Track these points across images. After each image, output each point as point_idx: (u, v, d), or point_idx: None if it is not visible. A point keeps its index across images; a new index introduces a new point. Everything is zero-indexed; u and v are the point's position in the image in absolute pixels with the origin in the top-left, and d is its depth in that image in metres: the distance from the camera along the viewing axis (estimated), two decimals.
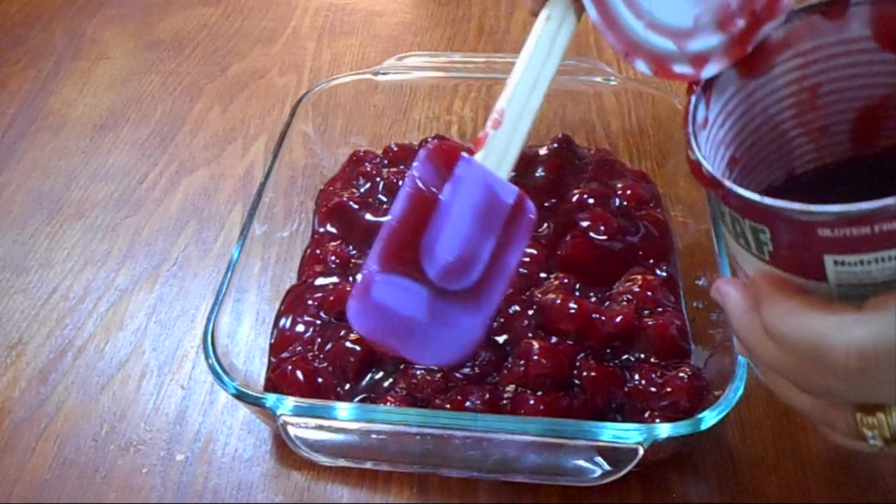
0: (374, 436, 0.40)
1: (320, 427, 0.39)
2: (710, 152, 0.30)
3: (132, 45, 0.81)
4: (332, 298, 0.48)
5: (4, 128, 0.70)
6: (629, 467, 0.37)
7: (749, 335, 0.28)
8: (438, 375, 0.43)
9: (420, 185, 0.37)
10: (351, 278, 0.50)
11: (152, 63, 0.78)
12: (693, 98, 0.30)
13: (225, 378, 0.39)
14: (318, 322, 0.48)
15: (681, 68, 0.31)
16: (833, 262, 0.24)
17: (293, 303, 0.49)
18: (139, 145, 0.68)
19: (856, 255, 0.24)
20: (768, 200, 0.25)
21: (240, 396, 0.39)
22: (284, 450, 0.44)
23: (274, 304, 0.50)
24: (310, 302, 0.49)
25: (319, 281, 0.50)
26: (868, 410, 0.27)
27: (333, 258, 0.51)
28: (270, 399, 0.38)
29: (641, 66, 0.32)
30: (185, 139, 0.68)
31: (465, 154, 0.38)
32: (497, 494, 0.42)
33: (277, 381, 0.44)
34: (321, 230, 0.55)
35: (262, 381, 0.45)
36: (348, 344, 0.44)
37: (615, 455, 0.37)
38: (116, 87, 0.75)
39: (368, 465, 0.42)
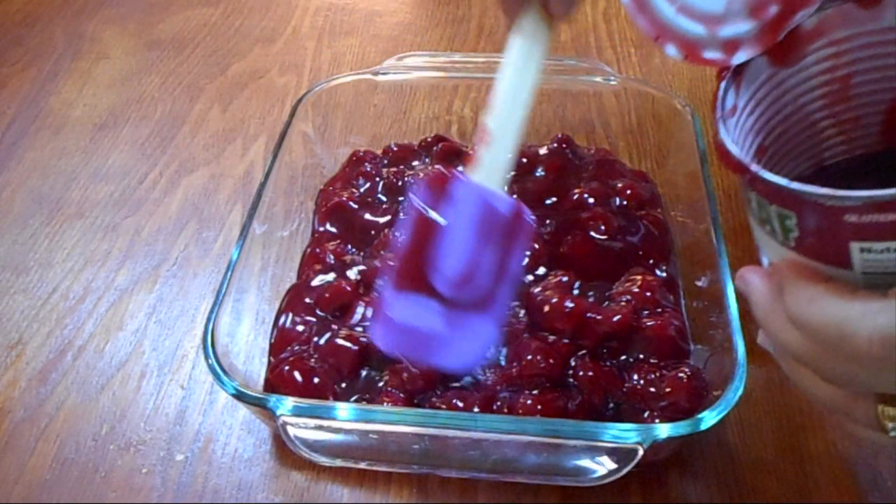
0: (373, 436, 0.40)
1: (320, 427, 0.39)
2: (739, 140, 0.30)
3: (132, 45, 0.81)
4: (328, 295, 0.48)
5: (4, 128, 0.70)
6: (629, 467, 0.37)
7: (772, 323, 0.28)
8: (433, 371, 0.43)
9: (422, 211, 0.39)
10: (350, 276, 0.50)
11: (152, 63, 0.78)
12: (723, 84, 0.30)
13: (225, 378, 0.39)
14: (316, 321, 0.48)
15: (711, 54, 0.31)
16: (859, 249, 0.24)
17: (292, 302, 0.49)
18: (139, 145, 0.68)
19: (883, 243, 0.24)
20: (796, 185, 0.25)
21: (239, 396, 0.39)
22: (284, 450, 0.44)
23: (274, 304, 0.50)
24: (308, 301, 0.49)
25: (318, 280, 0.50)
26: (890, 402, 0.27)
27: (331, 257, 0.51)
28: (270, 399, 0.38)
29: (672, 51, 0.32)
30: (185, 139, 0.68)
31: (459, 175, 0.39)
32: (497, 494, 0.42)
33: (276, 382, 0.44)
34: (321, 229, 0.55)
35: (261, 381, 0.45)
36: (340, 341, 0.44)
37: (615, 455, 0.37)
38: (116, 87, 0.75)
39: (368, 466, 0.42)
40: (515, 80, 0.40)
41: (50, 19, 0.86)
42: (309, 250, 0.54)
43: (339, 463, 0.42)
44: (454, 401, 0.42)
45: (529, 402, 0.41)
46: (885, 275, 0.25)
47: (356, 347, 0.44)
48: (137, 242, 0.58)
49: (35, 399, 0.48)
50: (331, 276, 0.50)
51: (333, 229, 0.55)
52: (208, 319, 0.41)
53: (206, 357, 0.40)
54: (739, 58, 0.31)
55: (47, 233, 0.60)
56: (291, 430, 0.39)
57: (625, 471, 0.38)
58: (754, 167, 0.26)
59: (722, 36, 0.31)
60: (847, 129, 0.33)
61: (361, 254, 0.52)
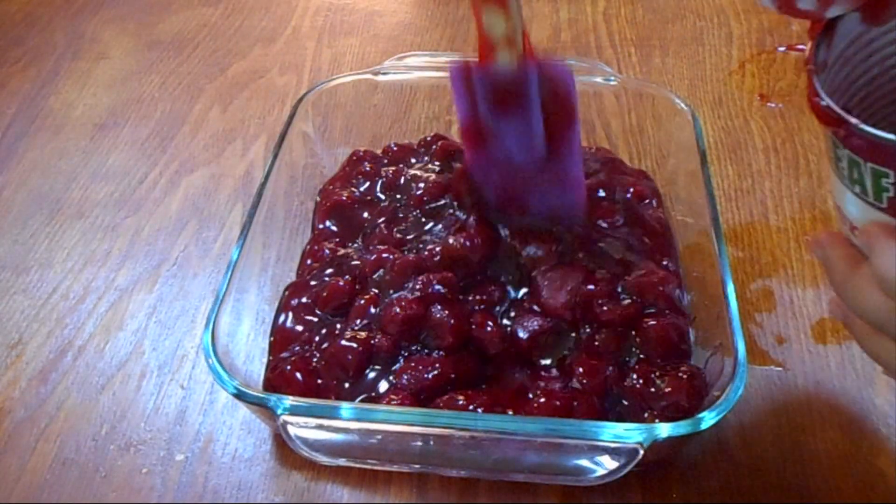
0: (374, 435, 0.40)
1: (320, 426, 0.39)
2: (823, 90, 0.30)
3: (132, 45, 0.81)
4: (325, 294, 0.48)
5: (4, 128, 0.70)
6: (629, 467, 0.37)
7: (853, 289, 0.27)
8: (436, 371, 0.43)
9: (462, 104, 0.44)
10: (347, 277, 0.50)
11: (152, 63, 0.78)
12: (817, 38, 0.30)
13: (225, 378, 0.39)
14: (315, 320, 0.48)
15: (806, 4, 0.30)
16: None
17: (290, 300, 0.49)
18: (139, 145, 0.68)
19: None
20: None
21: (240, 396, 0.39)
22: (284, 450, 0.44)
23: (274, 303, 0.50)
24: (305, 299, 0.49)
25: (316, 278, 0.50)
26: None
27: (328, 254, 0.51)
28: (270, 399, 0.38)
29: (767, 2, 0.31)
30: (185, 139, 0.68)
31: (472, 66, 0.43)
32: (497, 494, 0.42)
33: (276, 382, 0.44)
34: (320, 227, 0.55)
35: (261, 380, 0.45)
36: (345, 342, 0.44)
37: (615, 455, 0.37)
38: (116, 87, 0.75)
39: (368, 465, 0.42)
40: None
41: (50, 19, 0.86)
42: (308, 248, 0.54)
43: (339, 462, 0.42)
44: (458, 400, 0.42)
45: (534, 404, 0.41)
46: None
47: (361, 347, 0.44)
48: (137, 242, 0.58)
49: (35, 399, 0.48)
50: (328, 275, 0.50)
51: (333, 227, 0.55)
52: (208, 319, 0.41)
53: (207, 357, 0.40)
54: (834, 11, 0.30)
55: (47, 233, 0.60)
56: (292, 430, 0.39)
57: (625, 471, 0.38)
58: (853, 120, 0.25)
59: None
60: None
61: (359, 252, 0.52)
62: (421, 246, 0.50)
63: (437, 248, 0.47)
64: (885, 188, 0.25)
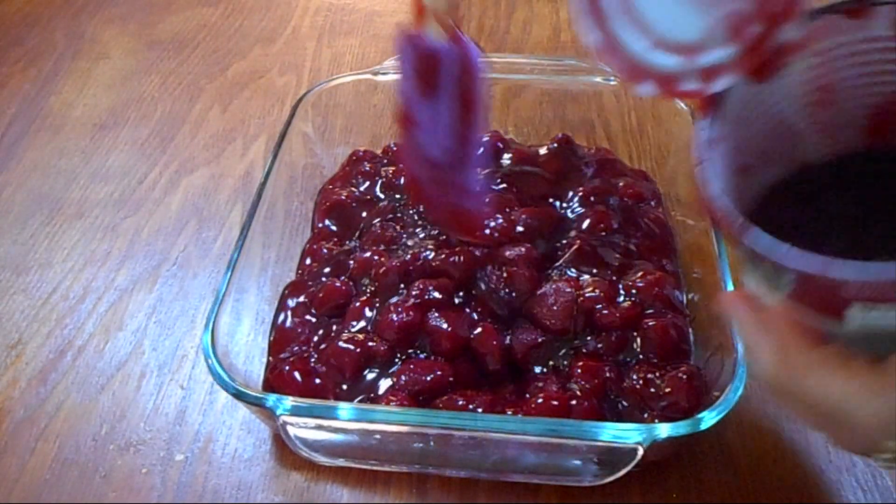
0: (374, 436, 0.40)
1: (320, 427, 0.39)
2: (721, 165, 0.30)
3: (132, 45, 0.81)
4: (321, 295, 0.48)
5: (4, 128, 0.70)
6: (629, 467, 0.37)
7: (758, 360, 0.28)
8: (435, 374, 0.43)
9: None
10: (343, 277, 0.50)
11: (152, 63, 0.78)
12: (702, 124, 0.29)
13: (225, 378, 0.39)
14: (314, 320, 0.48)
15: (689, 85, 0.30)
16: (860, 309, 0.24)
17: (289, 300, 0.49)
18: (139, 145, 0.68)
19: (884, 305, 0.24)
20: (795, 260, 0.24)
21: (239, 396, 0.39)
22: (284, 450, 0.43)
23: (274, 303, 0.50)
24: (303, 299, 0.49)
25: (314, 278, 0.50)
26: None
27: (327, 254, 0.51)
28: (270, 399, 0.38)
29: (647, 89, 0.30)
30: (185, 139, 0.68)
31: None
32: (497, 494, 0.42)
33: (275, 382, 0.44)
34: (320, 226, 0.55)
35: (261, 381, 0.45)
36: (341, 344, 0.44)
37: (615, 455, 0.37)
38: (116, 87, 0.75)
39: (368, 465, 0.42)
40: None
41: (50, 19, 0.86)
42: (307, 247, 0.54)
43: (339, 462, 0.42)
44: (457, 401, 0.42)
45: (533, 404, 0.41)
46: (874, 330, 0.24)
47: (359, 350, 0.44)
48: (137, 242, 0.58)
49: (35, 399, 0.48)
50: (326, 274, 0.50)
51: (332, 227, 0.55)
52: (208, 319, 0.41)
53: (206, 357, 0.40)
54: (719, 85, 0.30)
55: (47, 233, 0.60)
56: (291, 430, 0.39)
57: (625, 471, 0.38)
58: (748, 239, 0.25)
59: (700, 65, 0.29)
60: (830, 134, 0.33)
61: (358, 251, 0.52)
62: (414, 248, 0.49)
63: (420, 260, 0.47)
64: (787, 284, 0.26)
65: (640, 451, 0.36)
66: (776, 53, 0.30)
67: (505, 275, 0.46)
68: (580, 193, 0.54)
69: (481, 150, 0.43)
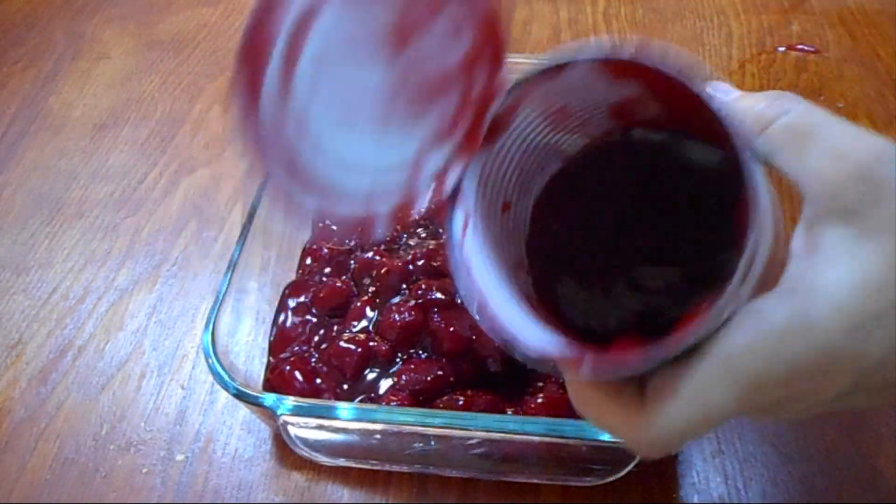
0: (374, 436, 0.40)
1: (321, 427, 0.39)
2: (480, 245, 0.30)
3: (132, 45, 0.81)
4: (322, 295, 0.48)
5: (4, 128, 0.70)
6: (629, 467, 0.37)
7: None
8: (436, 374, 0.43)
9: None
10: (344, 277, 0.50)
11: (152, 63, 0.78)
12: (451, 225, 0.29)
13: (225, 378, 0.39)
14: (314, 320, 0.48)
15: (427, 195, 0.29)
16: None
17: (289, 300, 0.49)
18: (139, 145, 0.68)
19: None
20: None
21: (240, 396, 0.39)
22: (284, 450, 0.44)
23: (274, 303, 0.50)
24: (304, 299, 0.49)
25: (314, 277, 0.50)
26: None
27: (327, 253, 0.51)
28: (271, 399, 0.38)
29: (380, 231, 0.29)
30: (185, 139, 0.68)
31: None
32: (497, 494, 0.42)
33: (276, 382, 0.44)
34: (320, 225, 0.55)
35: (262, 380, 0.45)
36: (343, 344, 0.44)
37: (615, 455, 0.37)
38: (116, 87, 0.75)
39: (369, 465, 0.42)
40: None
41: (50, 19, 0.86)
42: (308, 246, 0.54)
43: (339, 462, 0.42)
44: (458, 401, 0.42)
45: (533, 404, 0.41)
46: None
47: (360, 350, 0.44)
48: (137, 242, 0.58)
49: (35, 399, 0.48)
50: (327, 274, 0.50)
51: (333, 226, 0.55)
52: (208, 319, 0.41)
53: (207, 357, 0.40)
54: (453, 179, 0.30)
55: (47, 233, 0.60)
56: (292, 430, 0.39)
57: (625, 471, 0.38)
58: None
59: (429, 172, 0.29)
60: (578, 129, 0.33)
61: (358, 249, 0.52)
62: (416, 248, 0.49)
63: (421, 260, 0.47)
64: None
65: None
66: (494, 124, 0.30)
67: None
68: None
69: None
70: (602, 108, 0.32)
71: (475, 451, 0.40)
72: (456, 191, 0.30)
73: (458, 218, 0.30)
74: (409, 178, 0.29)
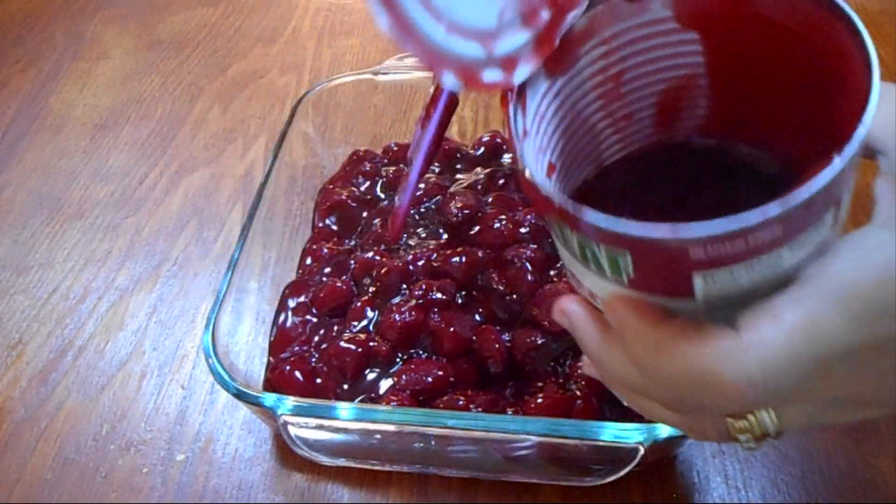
0: (374, 436, 0.40)
1: (321, 427, 0.39)
2: (533, 163, 0.28)
3: (132, 45, 0.81)
4: (322, 296, 0.48)
5: (4, 128, 0.70)
6: (629, 467, 0.37)
7: (607, 360, 0.27)
8: (436, 374, 0.43)
9: None
10: (345, 277, 0.50)
11: (152, 63, 0.78)
12: (510, 110, 0.28)
13: (225, 378, 0.39)
14: (315, 320, 0.48)
15: (491, 75, 0.28)
16: (702, 278, 0.23)
17: (290, 300, 0.49)
18: (139, 145, 0.68)
19: (724, 268, 0.22)
20: (641, 229, 0.22)
21: (240, 396, 0.39)
22: (284, 450, 0.44)
23: (274, 303, 0.50)
24: (304, 299, 0.49)
25: (314, 277, 0.50)
26: (737, 415, 0.26)
27: (327, 254, 0.51)
28: (271, 399, 0.38)
29: (450, 81, 0.27)
30: (185, 139, 0.68)
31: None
32: (497, 494, 0.42)
33: (276, 382, 0.44)
34: (320, 225, 0.55)
35: (262, 380, 0.45)
36: (343, 344, 0.44)
37: (615, 455, 0.37)
38: (116, 87, 0.75)
39: (369, 465, 0.42)
40: None
41: (50, 19, 0.86)
42: (308, 246, 0.54)
43: (339, 462, 0.42)
44: (458, 401, 0.42)
45: (533, 404, 0.41)
46: (724, 297, 0.23)
47: (360, 350, 0.44)
48: (137, 242, 0.58)
49: (35, 399, 0.48)
50: (327, 274, 0.50)
51: (333, 227, 0.55)
52: (209, 319, 0.41)
53: (207, 357, 0.40)
54: (520, 75, 0.28)
55: (47, 233, 0.60)
56: (292, 430, 0.39)
57: (625, 471, 0.38)
58: (586, 215, 0.23)
59: (499, 53, 0.28)
60: (622, 127, 0.32)
61: (359, 251, 0.52)
62: (416, 248, 0.50)
63: (422, 260, 0.47)
64: (624, 268, 0.24)
65: (641, 451, 0.36)
66: (566, 43, 0.29)
67: (511, 274, 0.46)
68: None
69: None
70: (650, 104, 0.31)
71: (475, 451, 0.40)
72: (521, 90, 0.29)
73: (519, 123, 0.28)
74: (483, 50, 0.28)
